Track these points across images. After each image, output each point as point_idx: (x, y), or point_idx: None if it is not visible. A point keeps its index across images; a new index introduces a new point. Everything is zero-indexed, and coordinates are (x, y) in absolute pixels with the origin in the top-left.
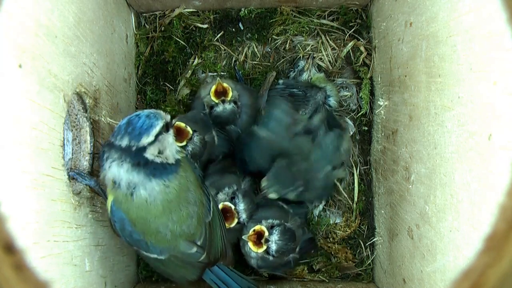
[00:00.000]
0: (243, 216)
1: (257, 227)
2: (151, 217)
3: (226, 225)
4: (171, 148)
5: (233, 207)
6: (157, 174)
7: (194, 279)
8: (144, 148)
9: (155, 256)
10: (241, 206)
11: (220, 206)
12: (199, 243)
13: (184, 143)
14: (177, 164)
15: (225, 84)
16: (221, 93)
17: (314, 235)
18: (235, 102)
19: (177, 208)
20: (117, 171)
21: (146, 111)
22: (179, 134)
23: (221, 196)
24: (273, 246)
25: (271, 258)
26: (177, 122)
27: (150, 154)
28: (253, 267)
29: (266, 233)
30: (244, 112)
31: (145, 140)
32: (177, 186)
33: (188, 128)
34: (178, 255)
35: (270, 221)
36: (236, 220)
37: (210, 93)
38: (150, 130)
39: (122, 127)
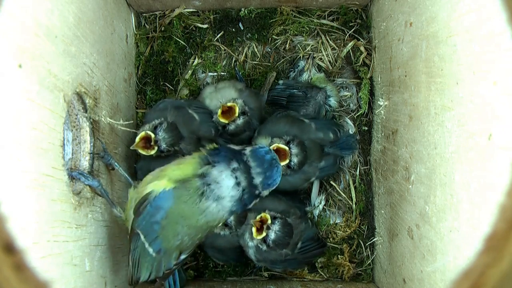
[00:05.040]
0: (231, 218)
1: (263, 214)
2: (185, 223)
3: None
4: None
5: None
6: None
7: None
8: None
9: (149, 249)
10: None
11: None
12: (183, 257)
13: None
14: None
15: (229, 104)
16: (227, 111)
17: (319, 233)
18: (243, 113)
19: (201, 229)
20: (228, 179)
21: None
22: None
23: None
24: (272, 235)
25: (265, 248)
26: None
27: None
28: (253, 266)
29: (269, 221)
30: (252, 116)
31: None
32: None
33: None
34: (164, 258)
35: (272, 213)
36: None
37: (218, 116)
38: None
39: (264, 160)
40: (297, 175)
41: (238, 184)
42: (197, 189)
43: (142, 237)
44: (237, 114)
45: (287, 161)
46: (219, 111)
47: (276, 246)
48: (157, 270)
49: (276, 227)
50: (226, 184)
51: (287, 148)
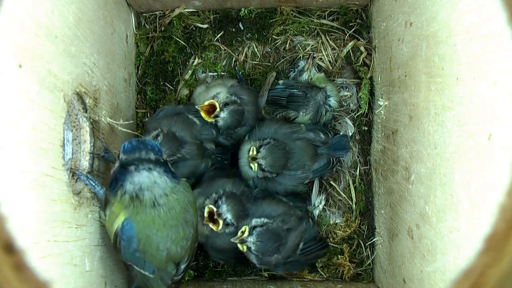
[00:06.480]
0: (228, 216)
1: (208, 208)
2: (155, 229)
3: (214, 228)
4: None
5: (215, 209)
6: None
7: None
8: (167, 162)
9: (146, 273)
10: (224, 208)
11: (206, 210)
12: (183, 266)
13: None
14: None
15: (206, 103)
16: (211, 110)
17: (320, 233)
18: (226, 104)
19: (177, 227)
20: (146, 177)
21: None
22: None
23: (207, 202)
24: (253, 247)
25: (258, 255)
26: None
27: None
28: (253, 266)
29: (246, 233)
30: (245, 105)
31: (165, 156)
32: (179, 198)
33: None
34: (162, 274)
35: (259, 220)
36: (221, 222)
37: (204, 118)
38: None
39: (135, 144)
40: (286, 179)
41: (150, 169)
42: (130, 198)
43: (134, 266)
44: (218, 109)
45: (254, 168)
46: (202, 113)
47: (262, 255)
48: (165, 284)
49: (253, 238)
50: (142, 177)
51: (255, 152)
